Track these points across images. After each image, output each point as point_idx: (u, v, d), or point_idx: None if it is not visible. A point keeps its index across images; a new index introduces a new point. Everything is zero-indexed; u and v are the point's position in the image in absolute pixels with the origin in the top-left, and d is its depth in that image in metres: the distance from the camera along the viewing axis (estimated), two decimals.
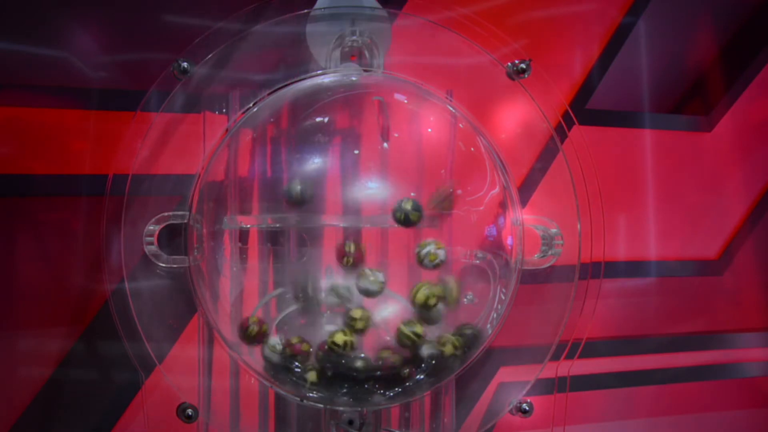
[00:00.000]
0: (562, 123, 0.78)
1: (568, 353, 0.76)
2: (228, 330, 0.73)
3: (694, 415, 1.15)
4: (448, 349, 0.70)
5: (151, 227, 0.72)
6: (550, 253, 0.76)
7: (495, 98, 0.78)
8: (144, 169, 0.73)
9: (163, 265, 0.72)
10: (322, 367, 0.69)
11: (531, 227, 0.76)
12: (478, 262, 0.73)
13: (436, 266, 0.69)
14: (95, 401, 0.88)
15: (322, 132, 0.71)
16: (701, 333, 1.15)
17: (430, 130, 0.75)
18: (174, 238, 0.73)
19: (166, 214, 0.72)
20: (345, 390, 0.70)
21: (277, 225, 0.72)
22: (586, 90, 1.08)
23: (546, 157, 0.77)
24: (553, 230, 0.76)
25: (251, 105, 0.74)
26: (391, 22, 0.75)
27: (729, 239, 1.16)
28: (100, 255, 0.73)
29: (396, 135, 0.72)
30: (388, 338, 0.70)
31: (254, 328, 0.69)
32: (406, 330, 0.69)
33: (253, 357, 0.72)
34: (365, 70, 0.75)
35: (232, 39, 0.74)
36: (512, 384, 0.77)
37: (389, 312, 0.70)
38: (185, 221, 0.73)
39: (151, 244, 0.72)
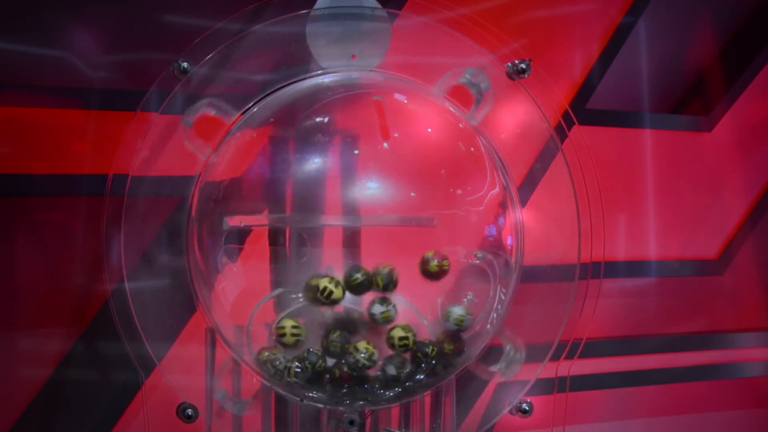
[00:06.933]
0: (562, 123, 0.78)
1: (568, 353, 0.76)
2: (229, 330, 0.73)
3: (694, 415, 1.15)
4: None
5: (190, 119, 0.73)
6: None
7: (495, 98, 0.78)
8: (144, 170, 0.73)
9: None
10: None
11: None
12: (478, 262, 0.73)
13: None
14: (95, 401, 0.88)
15: (322, 132, 0.71)
16: (701, 333, 1.15)
17: (430, 130, 0.75)
18: (174, 238, 0.73)
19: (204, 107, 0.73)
20: (346, 390, 0.70)
21: (277, 225, 0.72)
22: (586, 90, 1.08)
23: (546, 157, 0.77)
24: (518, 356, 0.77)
25: (251, 105, 0.74)
26: (391, 22, 0.75)
27: (729, 239, 1.16)
28: (100, 255, 0.73)
29: (396, 135, 0.72)
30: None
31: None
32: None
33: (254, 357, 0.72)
34: (365, 70, 0.75)
35: (232, 39, 0.74)
36: (512, 384, 0.77)
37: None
38: (186, 217, 0.73)
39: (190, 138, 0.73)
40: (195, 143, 0.73)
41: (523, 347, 0.76)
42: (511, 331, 0.76)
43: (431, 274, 0.69)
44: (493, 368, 0.77)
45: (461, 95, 0.77)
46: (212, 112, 0.74)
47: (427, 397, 0.75)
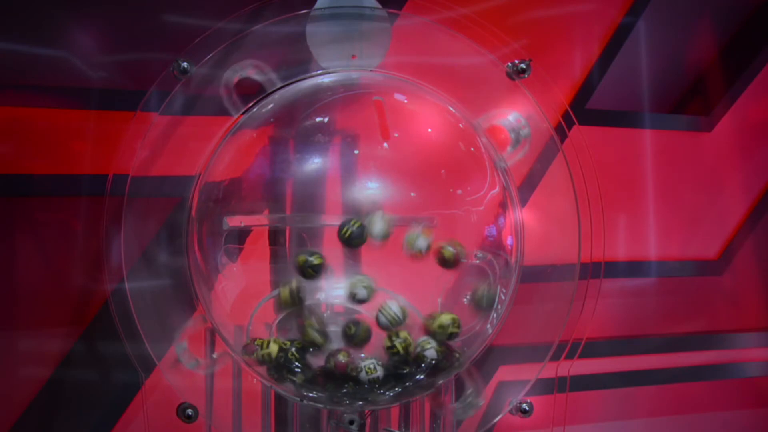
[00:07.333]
0: (562, 123, 0.78)
1: (568, 353, 0.76)
2: (229, 330, 0.73)
3: (694, 415, 1.15)
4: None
5: (229, 74, 0.73)
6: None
7: (495, 98, 0.78)
8: (144, 170, 0.73)
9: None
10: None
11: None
12: (478, 262, 0.73)
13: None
14: (95, 401, 0.88)
15: (322, 132, 0.71)
16: (701, 333, 1.15)
17: (430, 130, 0.75)
18: (174, 238, 0.73)
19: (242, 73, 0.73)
20: (346, 390, 0.70)
21: (277, 225, 0.72)
22: (586, 90, 1.08)
23: (546, 157, 0.77)
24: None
25: (251, 105, 0.74)
26: (391, 22, 0.75)
27: (729, 239, 1.16)
28: (100, 255, 0.73)
29: (396, 135, 0.72)
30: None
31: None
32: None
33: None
34: (365, 70, 0.75)
35: (232, 39, 0.74)
36: (512, 383, 0.77)
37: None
38: (186, 217, 0.73)
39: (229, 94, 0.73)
40: (232, 101, 0.73)
41: (485, 393, 0.76)
42: (478, 373, 0.76)
43: (446, 261, 0.69)
44: (451, 405, 0.76)
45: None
46: (254, 75, 0.74)
47: (427, 397, 0.75)
